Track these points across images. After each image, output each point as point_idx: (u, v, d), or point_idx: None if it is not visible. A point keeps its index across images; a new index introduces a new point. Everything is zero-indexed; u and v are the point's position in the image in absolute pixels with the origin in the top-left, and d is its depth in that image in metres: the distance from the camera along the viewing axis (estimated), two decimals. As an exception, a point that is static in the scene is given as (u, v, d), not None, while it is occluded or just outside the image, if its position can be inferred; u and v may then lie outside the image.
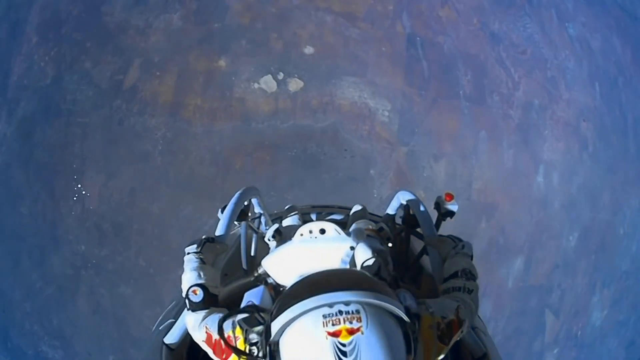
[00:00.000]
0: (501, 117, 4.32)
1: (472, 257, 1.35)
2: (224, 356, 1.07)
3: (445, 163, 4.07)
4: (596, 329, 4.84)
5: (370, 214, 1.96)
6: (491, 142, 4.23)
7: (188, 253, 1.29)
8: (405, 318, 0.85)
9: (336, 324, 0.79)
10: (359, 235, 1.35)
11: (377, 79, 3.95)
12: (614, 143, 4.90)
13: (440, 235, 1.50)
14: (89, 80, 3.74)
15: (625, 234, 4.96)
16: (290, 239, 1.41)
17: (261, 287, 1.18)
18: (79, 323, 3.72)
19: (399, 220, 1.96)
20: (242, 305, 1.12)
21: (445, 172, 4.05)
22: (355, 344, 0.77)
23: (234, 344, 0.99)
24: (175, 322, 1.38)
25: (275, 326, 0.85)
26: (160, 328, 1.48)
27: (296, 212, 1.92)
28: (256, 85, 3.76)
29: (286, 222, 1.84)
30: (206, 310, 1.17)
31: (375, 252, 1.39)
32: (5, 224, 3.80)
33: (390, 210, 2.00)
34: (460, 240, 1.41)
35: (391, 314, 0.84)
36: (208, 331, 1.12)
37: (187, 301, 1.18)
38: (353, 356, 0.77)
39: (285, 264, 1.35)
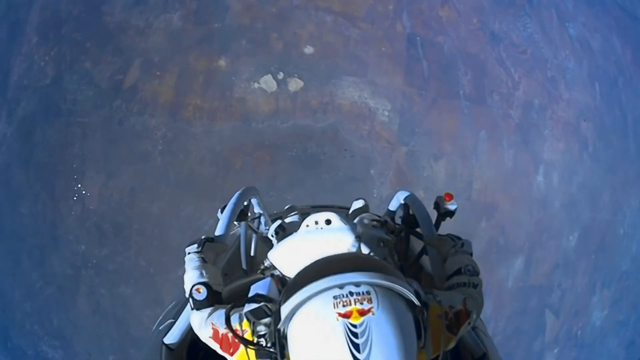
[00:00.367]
0: (501, 117, 4.32)
1: (471, 254, 1.35)
2: (231, 350, 1.07)
3: (445, 163, 4.07)
4: (596, 329, 4.84)
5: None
6: (491, 142, 4.23)
7: (189, 253, 1.29)
8: (416, 301, 0.84)
9: (347, 305, 0.77)
10: (364, 226, 1.35)
11: (377, 79, 3.95)
12: (614, 143, 4.90)
13: (440, 235, 1.50)
14: (89, 80, 3.74)
15: (625, 234, 4.96)
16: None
17: (268, 279, 1.16)
18: (79, 323, 3.72)
19: (398, 220, 1.96)
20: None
21: (445, 172, 4.06)
22: (367, 325, 0.76)
23: (240, 335, 0.99)
24: (175, 322, 1.38)
25: (284, 310, 0.83)
26: (160, 328, 1.48)
27: (296, 212, 1.92)
28: (256, 85, 3.76)
29: (287, 221, 1.84)
30: (211, 308, 1.17)
31: (381, 242, 1.39)
32: (5, 224, 3.80)
33: (391, 208, 2.01)
34: (460, 238, 1.41)
35: (401, 296, 0.84)
36: (214, 327, 1.11)
37: (190, 300, 1.18)
38: (365, 337, 0.76)
39: (291, 255, 1.35)
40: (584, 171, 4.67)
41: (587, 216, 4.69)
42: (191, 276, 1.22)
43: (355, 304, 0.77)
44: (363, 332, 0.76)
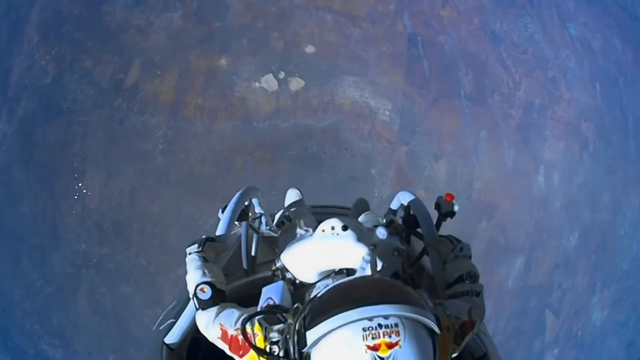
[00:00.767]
0: (502, 117, 4.32)
1: (470, 257, 1.36)
2: (240, 352, 1.07)
3: (446, 163, 4.07)
4: (596, 329, 4.84)
5: None
6: (492, 142, 4.23)
7: (190, 253, 1.28)
8: (437, 330, 0.86)
9: (376, 338, 0.79)
10: (380, 233, 1.35)
11: (377, 79, 3.95)
12: (614, 143, 4.89)
13: (440, 236, 1.50)
14: (89, 80, 3.74)
15: (625, 234, 4.96)
16: (297, 226, 1.39)
17: (280, 283, 1.16)
18: (79, 322, 3.72)
19: (399, 221, 1.96)
20: (261, 300, 1.10)
21: (445, 171, 4.05)
22: (393, 358, 0.78)
23: (253, 342, 0.99)
24: (175, 322, 1.38)
25: (312, 335, 0.84)
26: (160, 328, 1.48)
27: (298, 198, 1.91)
28: (257, 85, 3.76)
29: (287, 199, 1.81)
30: (217, 307, 1.16)
31: (396, 251, 1.40)
32: (5, 224, 3.80)
33: (393, 207, 2.00)
34: (459, 241, 1.41)
35: (424, 325, 0.86)
36: (223, 327, 1.11)
37: (195, 300, 1.17)
38: None
39: (305, 260, 1.35)
40: (585, 171, 4.66)
41: (587, 216, 4.68)
42: (194, 276, 1.21)
43: (384, 337, 0.79)
44: None
